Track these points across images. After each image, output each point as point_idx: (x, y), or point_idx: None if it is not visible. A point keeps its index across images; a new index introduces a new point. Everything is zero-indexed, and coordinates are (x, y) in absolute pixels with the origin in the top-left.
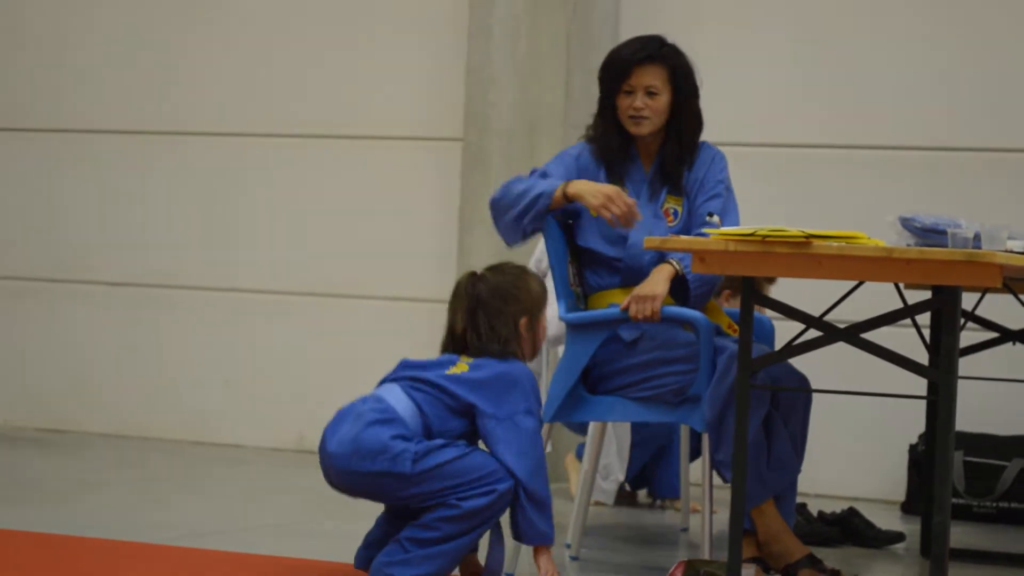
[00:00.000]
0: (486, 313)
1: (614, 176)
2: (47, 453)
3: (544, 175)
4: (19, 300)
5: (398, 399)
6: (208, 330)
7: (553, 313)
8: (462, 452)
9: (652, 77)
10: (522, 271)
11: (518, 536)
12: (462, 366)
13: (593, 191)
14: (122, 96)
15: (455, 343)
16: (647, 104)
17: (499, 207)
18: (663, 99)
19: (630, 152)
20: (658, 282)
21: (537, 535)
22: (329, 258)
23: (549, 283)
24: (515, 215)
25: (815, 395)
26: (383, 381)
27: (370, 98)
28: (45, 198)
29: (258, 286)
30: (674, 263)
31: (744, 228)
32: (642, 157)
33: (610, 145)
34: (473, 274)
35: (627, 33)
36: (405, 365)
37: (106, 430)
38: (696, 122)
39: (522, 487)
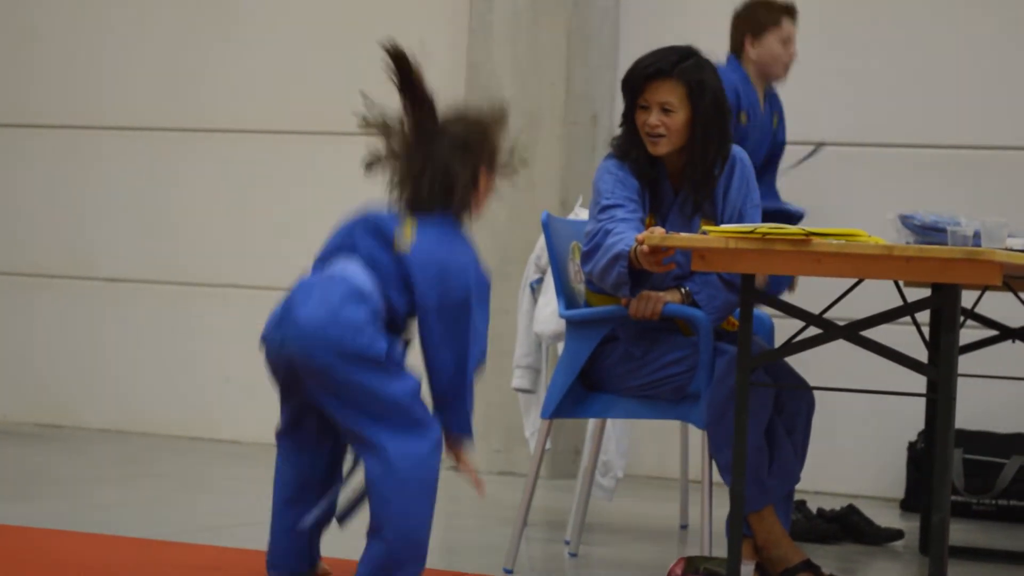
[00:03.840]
0: (442, 169)
1: (645, 187)
2: (49, 448)
3: (614, 207)
4: (25, 295)
5: (363, 279)
6: (214, 326)
7: (552, 309)
8: (416, 384)
9: (667, 93)
10: (484, 115)
11: (458, 429)
12: (406, 239)
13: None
14: (133, 93)
15: (403, 190)
16: (663, 122)
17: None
18: (680, 117)
19: (658, 171)
20: (666, 293)
21: (468, 427)
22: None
23: (549, 279)
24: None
25: (815, 393)
26: (340, 246)
27: (370, 94)
28: (57, 194)
29: (265, 283)
30: (685, 292)
31: (744, 226)
32: (670, 177)
33: (636, 164)
34: (431, 117)
35: (627, 29)
36: (357, 229)
37: (107, 425)
38: (719, 143)
39: (464, 380)
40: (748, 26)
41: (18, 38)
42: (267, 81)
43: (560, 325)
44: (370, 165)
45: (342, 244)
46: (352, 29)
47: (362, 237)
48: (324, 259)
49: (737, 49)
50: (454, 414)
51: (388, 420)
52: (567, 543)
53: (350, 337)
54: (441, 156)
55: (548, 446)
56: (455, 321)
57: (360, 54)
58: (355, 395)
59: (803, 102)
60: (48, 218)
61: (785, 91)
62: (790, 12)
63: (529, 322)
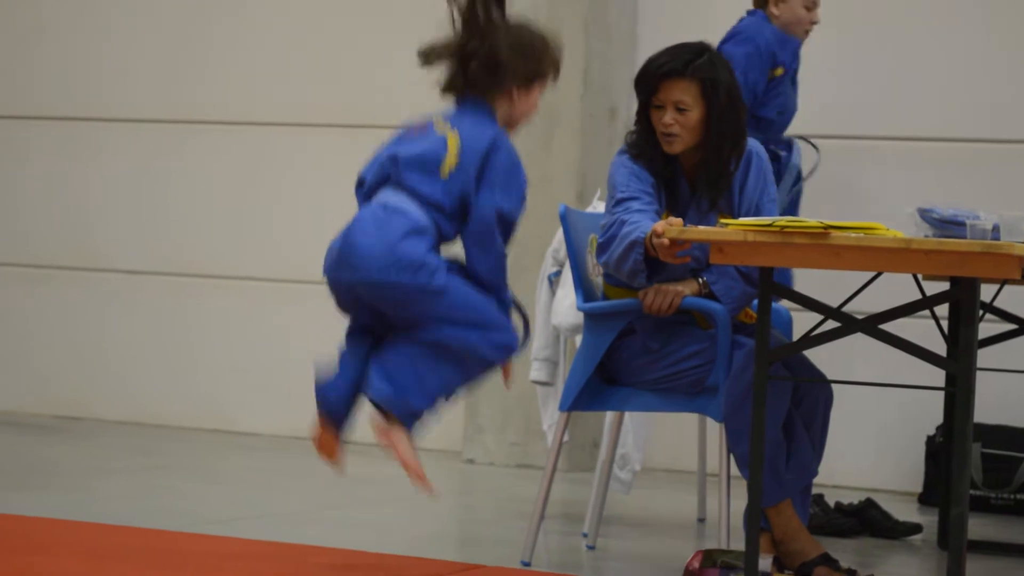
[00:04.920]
0: (493, 62)
1: (661, 184)
2: (61, 440)
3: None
4: (34, 287)
5: (418, 212)
6: (222, 318)
7: (571, 303)
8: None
9: (681, 92)
10: (545, 37)
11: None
12: (452, 154)
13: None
14: (135, 85)
15: (455, 81)
16: (677, 120)
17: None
18: (694, 115)
19: (673, 168)
20: (683, 284)
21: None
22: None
23: (567, 272)
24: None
25: (833, 386)
26: (386, 177)
27: (388, 88)
28: (61, 186)
29: (273, 274)
30: (703, 283)
31: (762, 219)
32: (685, 173)
33: (651, 161)
34: (497, 11)
35: (645, 22)
36: (407, 165)
37: (120, 417)
38: (734, 140)
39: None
40: None
41: (21, 31)
42: (271, 73)
43: (578, 318)
44: (426, 55)
45: (387, 176)
46: (372, 21)
47: (408, 172)
48: (370, 192)
49: (761, 7)
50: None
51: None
52: (585, 536)
53: (408, 275)
54: (496, 45)
55: (566, 439)
56: (491, 237)
57: (370, 46)
58: (424, 316)
59: (823, 95)
60: (53, 210)
61: (807, 85)
62: None
63: (547, 315)
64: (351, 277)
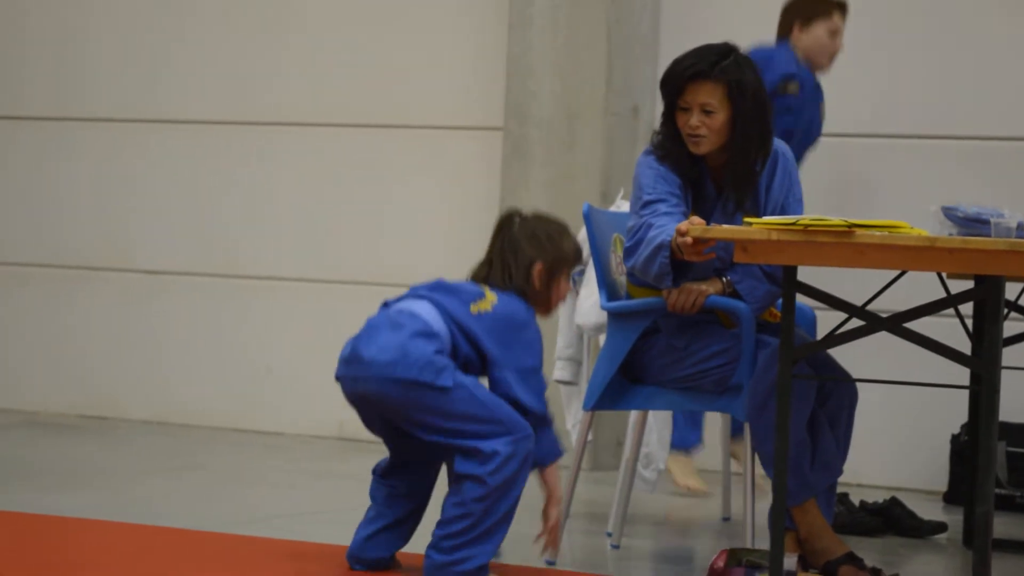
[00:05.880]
0: (511, 250)
1: (687, 185)
2: (93, 440)
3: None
4: (67, 287)
5: (433, 318)
6: (250, 318)
7: (594, 301)
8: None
9: (707, 94)
10: (562, 228)
11: (542, 461)
12: (487, 303)
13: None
14: (177, 87)
15: (481, 270)
16: (703, 122)
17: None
18: (720, 117)
19: (699, 168)
20: (707, 283)
21: (556, 451)
22: (371, 246)
23: (590, 271)
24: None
25: (857, 385)
26: (412, 294)
27: (411, 87)
28: (95, 187)
29: (301, 275)
30: (726, 282)
31: (786, 217)
32: (711, 174)
33: (677, 162)
34: (516, 212)
35: (668, 21)
36: (438, 287)
37: (151, 417)
38: (760, 141)
39: (537, 418)
40: (799, 13)
41: (66, 33)
42: (308, 73)
43: (602, 317)
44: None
45: (412, 293)
46: (394, 21)
47: (437, 291)
48: (390, 303)
49: (785, 35)
50: (542, 444)
51: (470, 433)
52: (609, 535)
53: (415, 372)
54: (512, 238)
55: (590, 438)
56: (529, 371)
57: (403, 46)
58: (432, 422)
59: (847, 91)
60: (91, 211)
61: (831, 81)
62: (841, 7)
63: (570, 314)
64: (360, 373)
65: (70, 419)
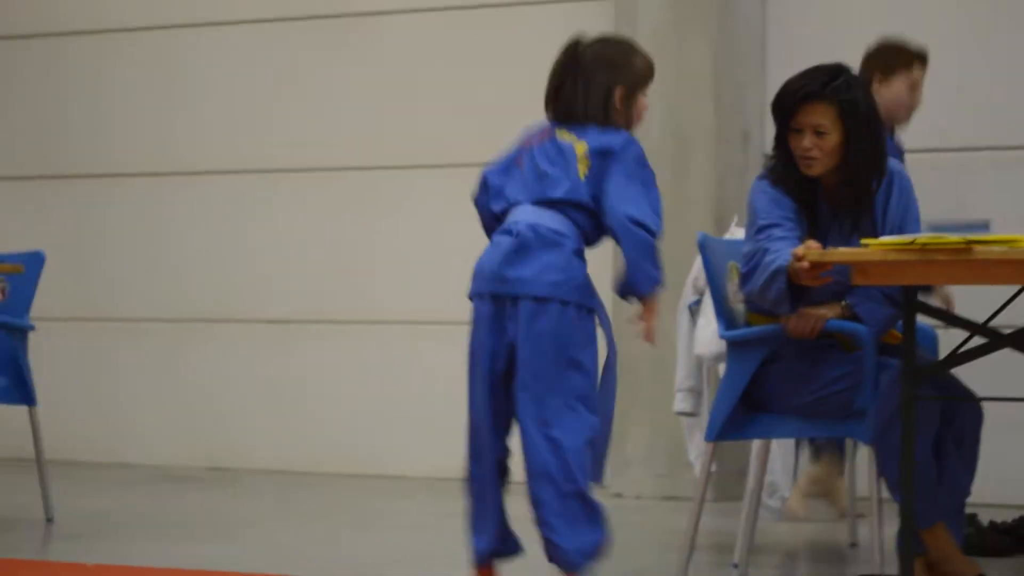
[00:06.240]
0: (584, 77)
1: (802, 209)
2: (216, 491)
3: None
4: (184, 340)
5: (563, 223)
6: (362, 361)
7: (713, 330)
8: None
9: (819, 116)
10: (629, 45)
11: (634, 286)
12: (580, 146)
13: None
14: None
15: (552, 108)
16: (816, 144)
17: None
18: (833, 138)
19: (814, 191)
20: (825, 307)
21: (651, 280)
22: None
23: (707, 300)
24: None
25: (983, 403)
26: (514, 200)
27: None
28: (206, 238)
29: (415, 317)
30: (845, 305)
31: (903, 237)
32: (826, 195)
33: (790, 185)
34: (577, 40)
35: (773, 45)
36: (542, 183)
37: (274, 466)
38: (872, 162)
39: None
40: (878, 65)
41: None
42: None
43: (721, 346)
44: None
45: (518, 194)
46: (496, 55)
47: (542, 187)
48: (503, 213)
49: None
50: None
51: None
52: (735, 566)
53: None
54: (584, 67)
55: (713, 469)
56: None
57: (504, 84)
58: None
59: (952, 106)
60: (209, 263)
61: (933, 97)
62: (922, 58)
63: (689, 344)
64: (504, 290)
65: (192, 471)
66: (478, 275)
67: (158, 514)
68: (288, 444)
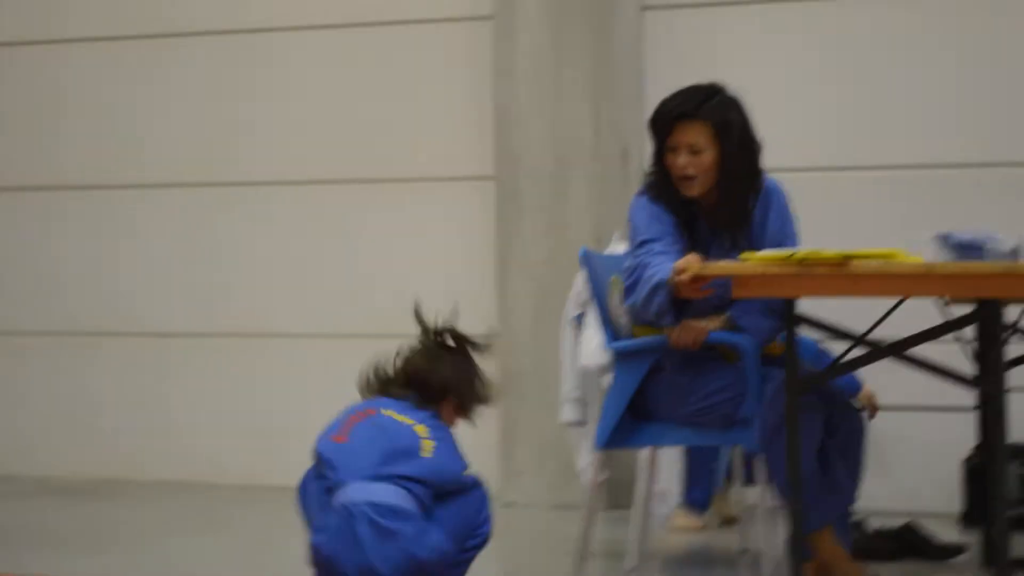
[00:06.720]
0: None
1: (682, 223)
2: (104, 502)
3: (651, 241)
4: (78, 354)
5: (401, 498)
6: (248, 376)
7: (598, 343)
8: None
9: (694, 135)
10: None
11: None
12: (426, 444)
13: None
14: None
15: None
16: (690, 162)
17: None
18: (708, 156)
19: (692, 209)
20: (708, 320)
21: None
22: (366, 300)
23: (591, 314)
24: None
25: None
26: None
27: (401, 139)
28: (90, 253)
29: (299, 330)
30: (727, 317)
31: (781, 251)
32: (704, 213)
33: (670, 202)
34: (444, 331)
35: (651, 63)
36: (387, 458)
37: (170, 477)
38: (749, 180)
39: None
40: None
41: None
42: (299, 130)
43: (606, 357)
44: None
45: (354, 469)
46: (376, 74)
47: (386, 464)
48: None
49: None
50: None
51: None
52: (628, 573)
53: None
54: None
55: (603, 477)
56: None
57: (391, 99)
58: None
59: (825, 124)
60: (90, 278)
61: (813, 114)
62: None
63: (573, 357)
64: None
65: (81, 483)
66: None
67: (48, 525)
68: (177, 455)
